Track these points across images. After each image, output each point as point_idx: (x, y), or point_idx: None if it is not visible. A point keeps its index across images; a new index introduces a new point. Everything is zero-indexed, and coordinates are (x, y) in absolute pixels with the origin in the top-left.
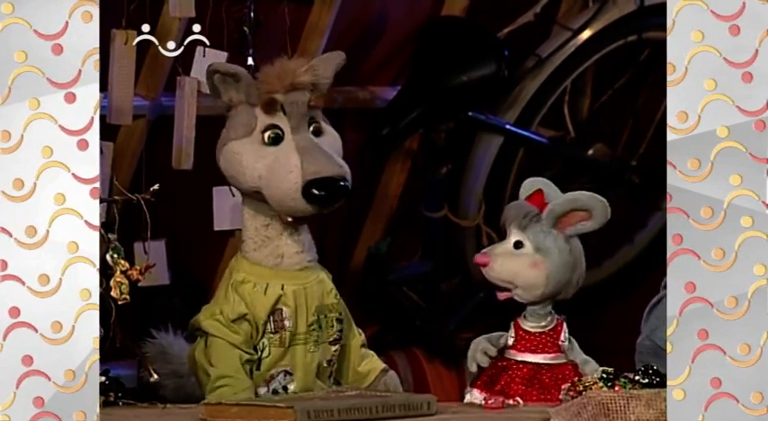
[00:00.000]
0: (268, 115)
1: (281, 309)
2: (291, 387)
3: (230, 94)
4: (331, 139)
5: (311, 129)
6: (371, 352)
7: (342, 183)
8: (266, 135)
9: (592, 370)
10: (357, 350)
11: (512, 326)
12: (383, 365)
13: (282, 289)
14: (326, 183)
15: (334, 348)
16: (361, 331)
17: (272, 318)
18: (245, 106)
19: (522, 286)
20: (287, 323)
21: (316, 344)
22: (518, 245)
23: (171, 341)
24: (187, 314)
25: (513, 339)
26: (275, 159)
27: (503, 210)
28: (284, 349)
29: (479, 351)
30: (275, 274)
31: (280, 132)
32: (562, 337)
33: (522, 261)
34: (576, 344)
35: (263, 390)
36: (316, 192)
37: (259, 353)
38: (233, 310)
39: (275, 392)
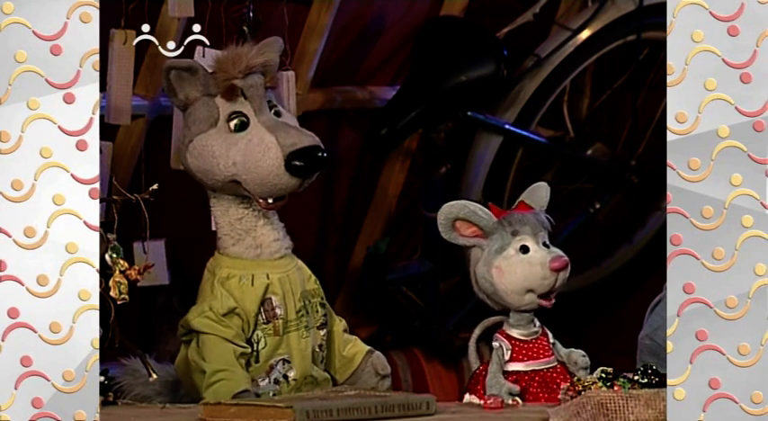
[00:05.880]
0: (230, 102)
1: (271, 298)
2: (291, 374)
3: (186, 90)
4: (292, 120)
5: (272, 111)
6: (354, 336)
7: (320, 154)
8: (232, 123)
9: (577, 356)
10: (340, 335)
11: (500, 338)
12: (368, 347)
13: (268, 277)
14: (306, 152)
15: (322, 333)
16: (341, 318)
17: (262, 309)
18: (204, 99)
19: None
20: (278, 311)
21: (306, 329)
22: (547, 246)
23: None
24: (186, 314)
25: (509, 351)
26: (248, 142)
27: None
28: (279, 338)
29: (505, 393)
30: (258, 265)
31: (244, 118)
32: (551, 339)
33: None
34: (557, 342)
35: (264, 382)
36: (297, 163)
37: (255, 345)
38: (222, 305)
39: (276, 382)
